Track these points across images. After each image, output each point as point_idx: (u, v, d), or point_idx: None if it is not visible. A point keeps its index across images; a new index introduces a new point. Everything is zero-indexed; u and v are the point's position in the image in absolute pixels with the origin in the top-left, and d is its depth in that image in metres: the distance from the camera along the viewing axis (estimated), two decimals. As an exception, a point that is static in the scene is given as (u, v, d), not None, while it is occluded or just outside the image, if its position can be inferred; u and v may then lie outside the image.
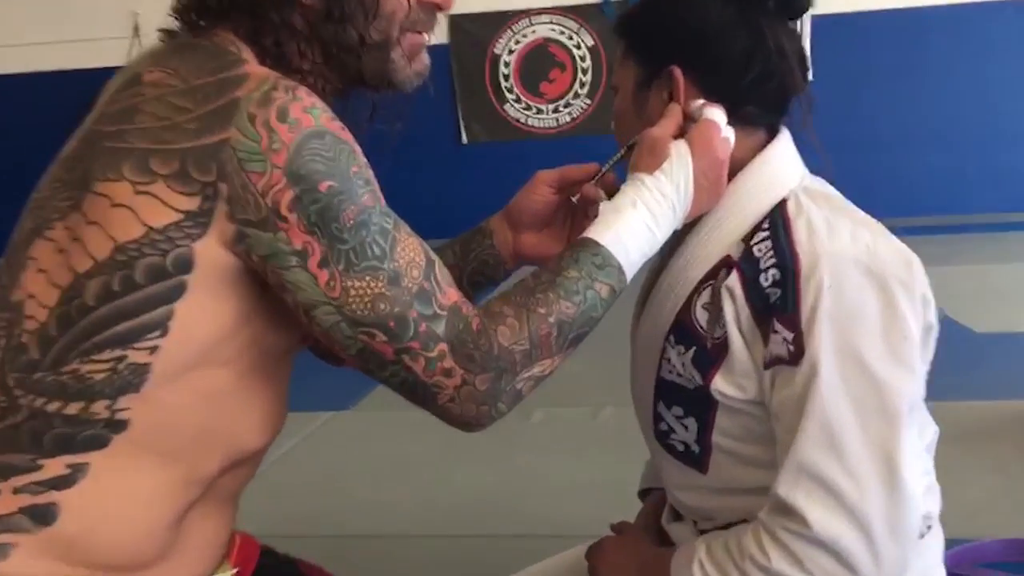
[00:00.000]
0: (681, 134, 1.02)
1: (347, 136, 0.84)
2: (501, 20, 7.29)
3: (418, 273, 0.86)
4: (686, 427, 1.04)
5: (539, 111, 7.43)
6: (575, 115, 7.40)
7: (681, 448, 1.06)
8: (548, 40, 7.33)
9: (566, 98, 7.39)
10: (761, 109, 1.05)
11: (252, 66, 0.86)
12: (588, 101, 7.37)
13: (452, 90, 7.24)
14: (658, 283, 1.07)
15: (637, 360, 1.12)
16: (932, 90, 6.67)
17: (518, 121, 7.40)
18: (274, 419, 0.95)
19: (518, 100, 7.40)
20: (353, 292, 0.83)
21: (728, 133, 1.01)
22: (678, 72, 1.03)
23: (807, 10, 1.05)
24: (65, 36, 7.05)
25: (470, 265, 1.16)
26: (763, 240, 0.99)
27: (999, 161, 6.70)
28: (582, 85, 7.37)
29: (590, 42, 7.31)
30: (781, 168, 1.05)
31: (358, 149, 0.85)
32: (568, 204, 1.14)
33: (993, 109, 6.64)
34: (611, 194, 1.11)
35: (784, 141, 1.07)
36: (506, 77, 7.37)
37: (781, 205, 1.02)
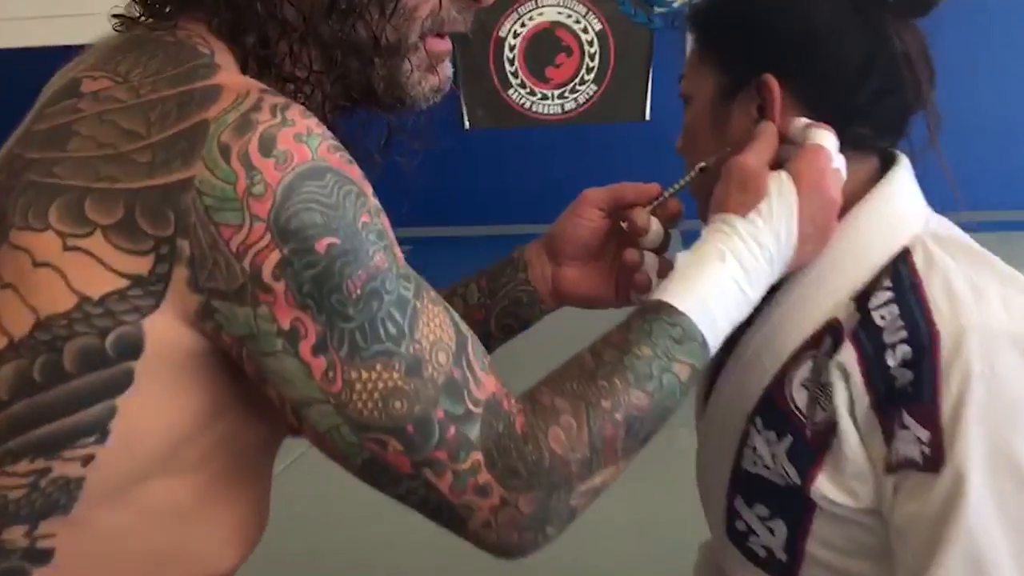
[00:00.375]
0: (777, 163, 0.80)
1: (354, 171, 0.63)
2: (506, 2, 7.05)
3: (446, 358, 0.64)
4: (772, 530, 0.83)
5: (544, 97, 7.22)
6: (582, 102, 7.20)
7: (763, 554, 0.84)
8: (555, 24, 7.12)
9: (573, 84, 7.19)
10: (877, 130, 0.84)
11: (228, 74, 0.64)
12: (595, 87, 7.17)
13: (455, 74, 7.00)
14: (738, 348, 0.85)
15: (708, 442, 0.91)
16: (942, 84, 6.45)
17: (523, 107, 7.19)
18: (250, 531, 0.74)
19: (523, 85, 7.18)
20: (359, 386, 0.61)
21: (840, 163, 0.79)
22: (774, 82, 0.82)
23: (937, 5, 0.83)
24: (59, 10, 6.80)
25: (499, 304, 0.94)
26: (886, 304, 0.77)
27: (1012, 157, 6.50)
28: (589, 71, 7.16)
29: (598, 26, 7.10)
30: (902, 206, 0.83)
31: (368, 188, 0.64)
32: (620, 232, 0.92)
33: (1005, 103, 6.43)
34: (669, 225, 0.89)
35: (903, 171, 0.85)
36: (511, 61, 7.14)
37: (905, 256, 0.80)
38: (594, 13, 7.08)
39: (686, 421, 1.13)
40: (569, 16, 7.12)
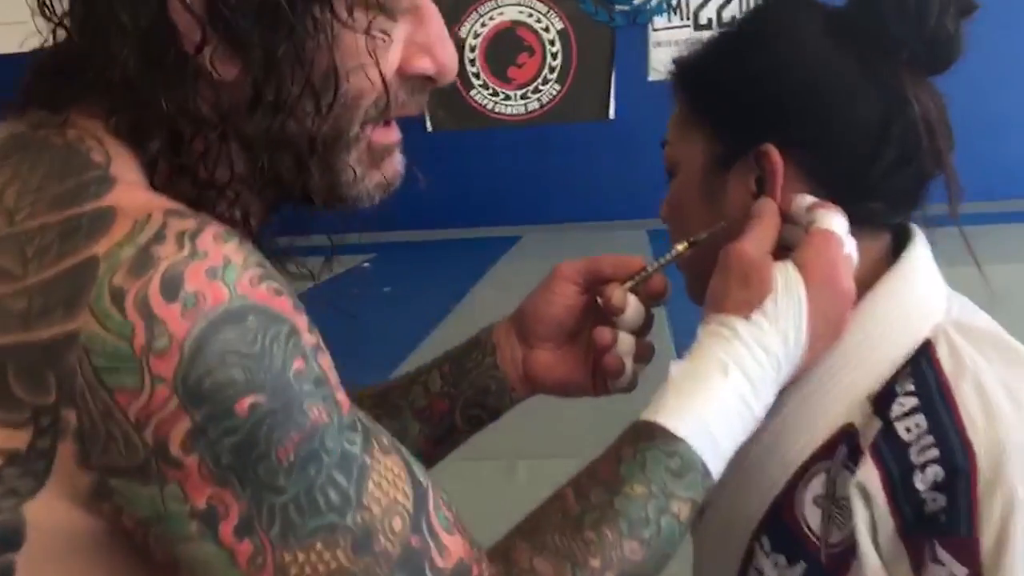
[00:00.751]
0: (778, 245, 0.70)
1: (284, 304, 0.51)
2: (467, 1, 6.92)
3: (402, 524, 0.53)
4: (781, 661, 0.72)
5: (507, 97, 7.13)
6: (544, 102, 7.11)
7: None
8: (516, 23, 7.03)
9: (535, 84, 7.10)
10: (892, 205, 0.73)
11: (125, 190, 0.52)
12: (558, 87, 7.08)
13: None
14: (737, 455, 0.75)
15: (704, 555, 0.80)
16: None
17: (485, 108, 7.08)
18: None
19: (485, 86, 7.08)
20: (296, 571, 0.50)
21: (851, 247, 0.69)
22: (776, 153, 0.71)
23: (957, 60, 0.73)
24: None
25: (464, 393, 0.83)
26: (912, 413, 0.67)
27: (1009, 149, 6.51)
28: (552, 70, 7.08)
29: (560, 25, 7.01)
30: (921, 290, 0.73)
31: (302, 320, 0.52)
32: (598, 311, 0.81)
33: (997, 96, 6.42)
34: (652, 304, 0.79)
35: (920, 248, 0.75)
36: (472, 62, 7.02)
37: (928, 351, 0.70)
38: (555, 12, 6.99)
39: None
40: (530, 15, 7.02)
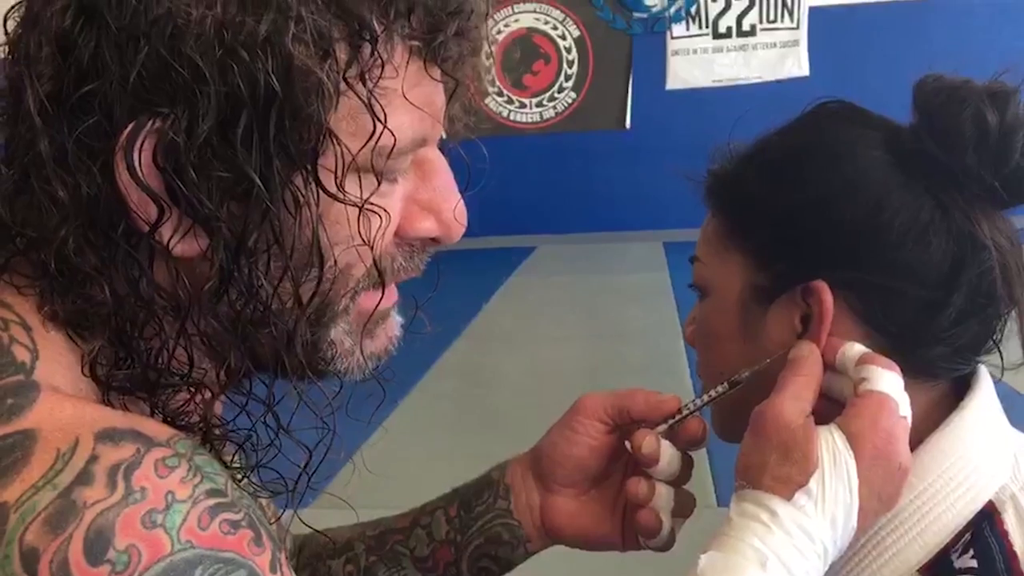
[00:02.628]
0: (821, 396, 0.60)
1: (239, 542, 0.42)
2: (482, 8, 6.86)
3: None
4: None
5: (522, 105, 7.04)
6: (560, 110, 7.03)
7: None
8: (532, 30, 6.94)
9: (551, 92, 7.01)
10: (957, 353, 0.63)
11: (49, 403, 0.43)
12: (574, 95, 6.99)
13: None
14: None
15: None
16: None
17: (500, 115, 6.99)
18: None
19: (500, 93, 6.99)
20: None
21: (906, 410, 0.58)
22: (827, 293, 0.61)
23: None
24: None
25: (473, 541, 0.72)
26: None
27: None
28: (568, 78, 6.99)
29: (576, 33, 6.92)
30: (982, 444, 0.62)
31: (266, 553, 0.43)
32: (625, 452, 0.70)
33: None
34: (688, 449, 0.68)
35: (982, 397, 0.64)
36: (487, 69, 6.94)
37: (992, 519, 0.60)
38: (572, 19, 6.91)
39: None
40: (547, 22, 6.94)
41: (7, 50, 0.48)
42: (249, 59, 0.43)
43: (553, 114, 7.04)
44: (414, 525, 0.74)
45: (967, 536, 0.59)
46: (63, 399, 0.43)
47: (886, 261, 0.60)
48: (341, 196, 0.47)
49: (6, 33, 0.48)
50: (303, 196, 0.46)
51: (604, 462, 0.70)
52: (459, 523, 0.72)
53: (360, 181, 0.48)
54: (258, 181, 0.44)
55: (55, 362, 0.45)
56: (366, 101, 0.46)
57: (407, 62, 0.49)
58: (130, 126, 0.44)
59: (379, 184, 0.49)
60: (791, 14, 6.66)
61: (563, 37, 6.96)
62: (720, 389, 0.65)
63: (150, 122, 0.44)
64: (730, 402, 0.65)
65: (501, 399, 3.54)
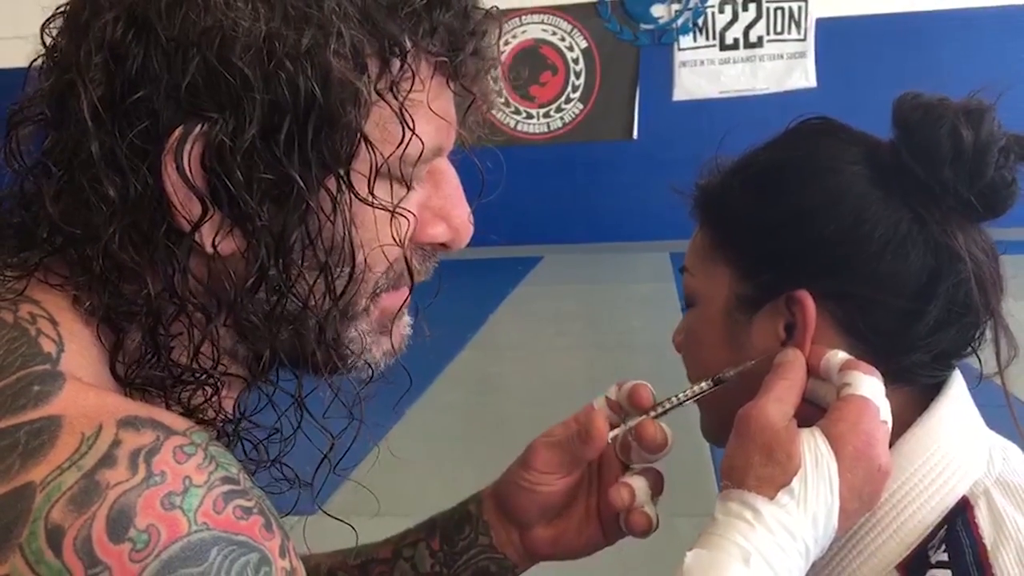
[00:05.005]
0: (804, 401, 0.62)
1: (252, 528, 0.44)
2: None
3: None
4: None
5: (529, 116, 7.07)
6: (567, 120, 7.05)
7: None
8: (539, 41, 6.97)
9: (558, 102, 7.03)
10: (935, 359, 0.64)
11: (75, 390, 0.45)
12: (581, 106, 7.02)
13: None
14: None
15: None
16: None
17: (507, 126, 7.01)
18: None
19: (507, 104, 7.02)
20: None
21: (887, 414, 0.60)
22: (810, 302, 0.63)
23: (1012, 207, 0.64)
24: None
25: (462, 575, 0.73)
26: None
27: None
28: (575, 89, 7.01)
29: (583, 44, 6.95)
30: (956, 440, 0.64)
31: (276, 541, 0.44)
32: (590, 473, 0.73)
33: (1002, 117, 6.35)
34: (655, 449, 0.69)
35: (955, 393, 0.65)
36: (494, 80, 6.96)
37: (965, 513, 0.61)
38: (579, 30, 6.93)
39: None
40: (554, 33, 6.97)
41: (48, 58, 0.50)
42: (292, 69, 0.46)
43: (560, 125, 7.07)
44: (396, 556, 0.74)
45: (942, 531, 0.60)
46: (86, 388, 0.45)
47: (866, 272, 0.62)
48: (371, 200, 0.49)
49: (43, 43, 0.50)
50: (336, 199, 0.48)
51: (568, 496, 0.71)
52: (443, 557, 0.73)
53: (391, 187, 0.51)
54: (300, 182, 0.47)
55: (80, 355, 0.47)
56: (397, 111, 0.49)
57: (431, 76, 0.52)
58: (179, 129, 0.46)
59: (408, 189, 0.52)
60: (798, 25, 6.69)
61: (571, 48, 6.99)
62: (704, 385, 0.67)
63: (198, 126, 0.46)
64: (716, 404, 0.66)
65: (507, 408, 3.55)
